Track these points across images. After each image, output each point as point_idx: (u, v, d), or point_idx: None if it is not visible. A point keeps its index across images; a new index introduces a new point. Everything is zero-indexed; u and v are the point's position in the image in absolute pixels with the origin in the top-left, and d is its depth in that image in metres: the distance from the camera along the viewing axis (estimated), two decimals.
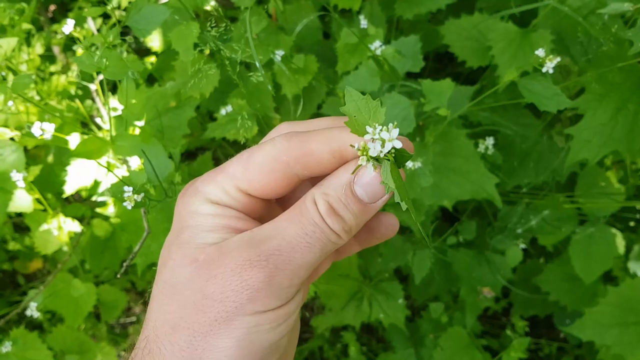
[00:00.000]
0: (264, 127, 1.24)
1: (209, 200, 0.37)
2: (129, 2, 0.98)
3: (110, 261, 1.27)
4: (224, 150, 1.55)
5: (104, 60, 0.65)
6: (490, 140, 0.96)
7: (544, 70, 0.63)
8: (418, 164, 0.81)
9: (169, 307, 0.34)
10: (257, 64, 1.04)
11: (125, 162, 1.05)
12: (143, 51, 1.58)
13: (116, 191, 0.83)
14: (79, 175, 0.92)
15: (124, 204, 0.63)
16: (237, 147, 1.57)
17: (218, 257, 0.34)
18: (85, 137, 0.81)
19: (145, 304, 0.39)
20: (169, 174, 0.73)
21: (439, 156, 0.88)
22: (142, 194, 0.65)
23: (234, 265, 0.33)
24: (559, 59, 0.64)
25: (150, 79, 1.41)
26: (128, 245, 1.23)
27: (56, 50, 1.29)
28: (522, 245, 1.10)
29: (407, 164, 0.89)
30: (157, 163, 0.72)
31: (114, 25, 0.86)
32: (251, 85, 1.15)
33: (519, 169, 1.06)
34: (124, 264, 0.80)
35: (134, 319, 1.71)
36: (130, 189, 0.64)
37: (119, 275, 0.78)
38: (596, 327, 0.99)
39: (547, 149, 1.11)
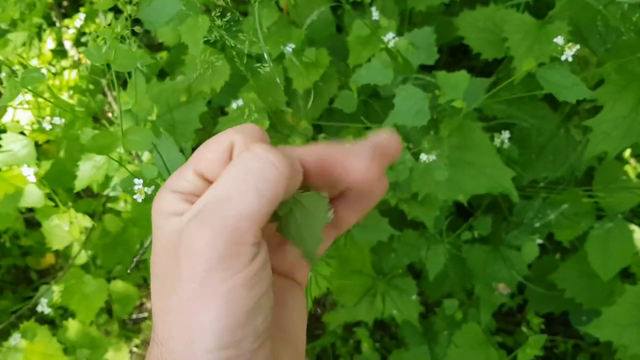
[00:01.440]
0: (275, 122, 1.23)
1: (172, 191, 0.35)
2: None
3: (122, 256, 1.26)
4: None
5: (112, 52, 0.64)
6: (506, 134, 0.94)
7: (563, 58, 0.61)
8: (432, 157, 0.79)
9: (159, 297, 0.34)
10: (266, 56, 1.02)
11: (137, 156, 1.04)
12: (155, 46, 1.57)
13: (127, 185, 0.82)
14: (90, 170, 0.91)
15: (135, 196, 0.62)
16: None
17: (177, 238, 0.33)
18: (97, 132, 0.80)
19: None
20: None
21: (454, 150, 0.86)
22: (153, 187, 0.64)
23: (184, 241, 0.32)
24: (578, 46, 0.62)
25: (162, 74, 1.41)
26: (140, 241, 1.22)
27: (67, 45, 1.29)
28: (539, 241, 1.08)
29: (421, 156, 0.88)
30: (168, 157, 0.71)
31: (126, 19, 0.85)
32: (262, 79, 1.13)
33: (535, 162, 1.04)
34: (135, 259, 0.80)
35: (146, 314, 1.71)
36: (141, 181, 0.63)
37: (129, 271, 0.78)
38: (614, 327, 0.97)
39: (565, 142, 1.08)
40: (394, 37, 0.90)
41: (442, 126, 0.83)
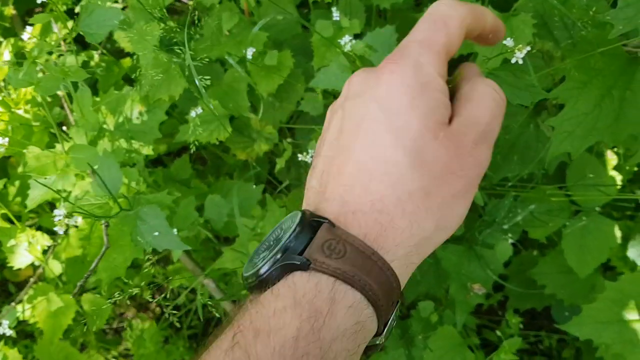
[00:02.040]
0: (241, 126, 1.20)
1: (438, 74, 0.40)
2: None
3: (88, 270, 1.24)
4: (208, 150, 1.51)
5: (35, 75, 0.61)
6: None
7: (513, 61, 0.59)
8: None
9: (417, 175, 0.38)
10: (231, 61, 0.99)
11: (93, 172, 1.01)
12: (121, 52, 1.54)
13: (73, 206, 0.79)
14: (41, 189, 0.88)
15: (55, 228, 0.59)
16: (222, 145, 1.53)
17: (452, 138, 0.39)
18: (41, 151, 0.77)
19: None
20: (122, 188, 0.69)
21: None
22: (78, 218, 0.61)
23: (467, 148, 0.39)
24: (528, 48, 0.59)
25: (130, 80, 1.37)
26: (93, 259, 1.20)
27: None
28: (511, 240, 1.06)
29: None
30: (108, 176, 0.68)
31: (69, 32, 0.82)
32: (224, 84, 1.10)
33: (502, 161, 1.01)
34: (83, 279, 0.77)
35: (126, 323, 1.69)
36: (62, 212, 0.60)
37: (76, 290, 0.75)
38: (594, 325, 0.94)
39: (534, 139, 1.05)
40: (350, 40, 0.87)
41: None
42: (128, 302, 1.69)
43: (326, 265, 0.36)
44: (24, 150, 0.79)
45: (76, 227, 1.10)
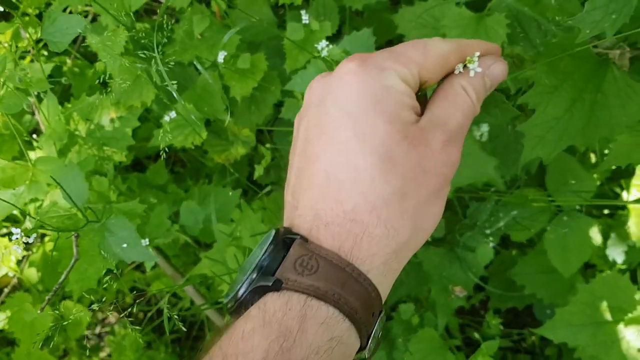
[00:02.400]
0: (217, 130, 1.18)
1: (401, 79, 0.39)
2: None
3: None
4: (187, 153, 1.49)
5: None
6: (484, 127, 0.89)
7: (471, 74, 0.57)
8: None
9: (389, 179, 0.37)
10: (198, 66, 0.98)
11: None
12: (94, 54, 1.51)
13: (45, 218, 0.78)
14: (9, 199, 0.86)
15: (14, 247, 0.58)
16: (197, 151, 1.52)
17: (421, 137, 0.38)
18: (6, 162, 0.75)
19: None
20: (87, 198, 0.68)
21: None
22: (34, 235, 0.60)
23: (438, 145, 0.39)
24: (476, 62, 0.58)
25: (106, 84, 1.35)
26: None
27: None
28: (492, 244, 1.05)
29: None
30: (73, 187, 0.67)
31: (36, 41, 0.80)
32: (198, 88, 1.09)
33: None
34: (52, 292, 0.76)
35: (109, 329, 1.67)
36: (19, 230, 0.59)
37: (45, 303, 0.74)
38: (568, 328, 0.94)
39: (513, 140, 1.05)
40: (327, 45, 0.86)
41: None
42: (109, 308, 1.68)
43: (298, 283, 0.35)
44: None
45: (40, 241, 1.08)
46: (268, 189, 1.16)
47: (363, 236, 0.36)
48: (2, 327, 1.16)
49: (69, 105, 1.00)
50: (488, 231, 1.03)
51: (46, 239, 1.14)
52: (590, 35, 0.63)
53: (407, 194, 0.37)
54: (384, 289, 0.38)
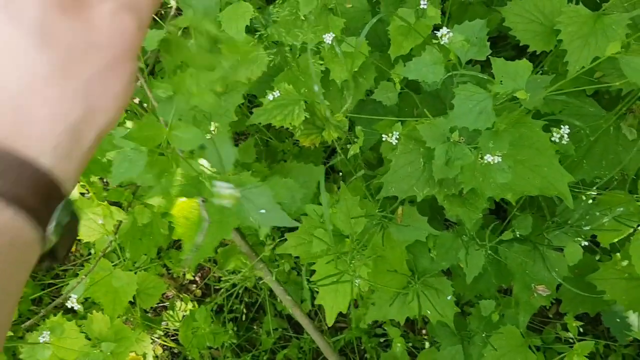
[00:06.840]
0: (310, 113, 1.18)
1: None
2: None
3: (147, 248, 1.24)
4: (262, 135, 1.50)
5: None
6: (565, 129, 0.88)
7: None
8: (498, 159, 0.75)
9: (49, 55, 0.35)
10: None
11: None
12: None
13: (189, 190, 0.79)
14: (125, 165, 0.87)
15: (225, 202, 0.59)
16: (275, 132, 1.53)
17: (86, 8, 0.36)
18: (140, 121, 0.76)
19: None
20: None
21: (508, 146, 0.82)
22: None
23: (106, 16, 0.37)
24: None
25: None
26: (167, 234, 1.19)
27: None
28: (584, 243, 1.04)
29: (486, 157, 0.83)
30: (223, 153, 0.68)
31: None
32: (297, 69, 1.09)
33: (583, 162, 1.00)
34: (186, 258, 0.77)
35: (167, 303, 1.69)
36: (231, 185, 0.60)
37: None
38: None
39: (614, 142, 1.04)
40: (448, 32, 0.85)
41: (499, 120, 0.78)
42: (168, 282, 1.70)
43: None
44: None
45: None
46: (361, 172, 1.16)
47: (26, 121, 0.34)
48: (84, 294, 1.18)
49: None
50: (587, 227, 1.01)
51: (135, 208, 1.15)
52: None
53: (72, 70, 0.35)
54: (68, 173, 0.36)
